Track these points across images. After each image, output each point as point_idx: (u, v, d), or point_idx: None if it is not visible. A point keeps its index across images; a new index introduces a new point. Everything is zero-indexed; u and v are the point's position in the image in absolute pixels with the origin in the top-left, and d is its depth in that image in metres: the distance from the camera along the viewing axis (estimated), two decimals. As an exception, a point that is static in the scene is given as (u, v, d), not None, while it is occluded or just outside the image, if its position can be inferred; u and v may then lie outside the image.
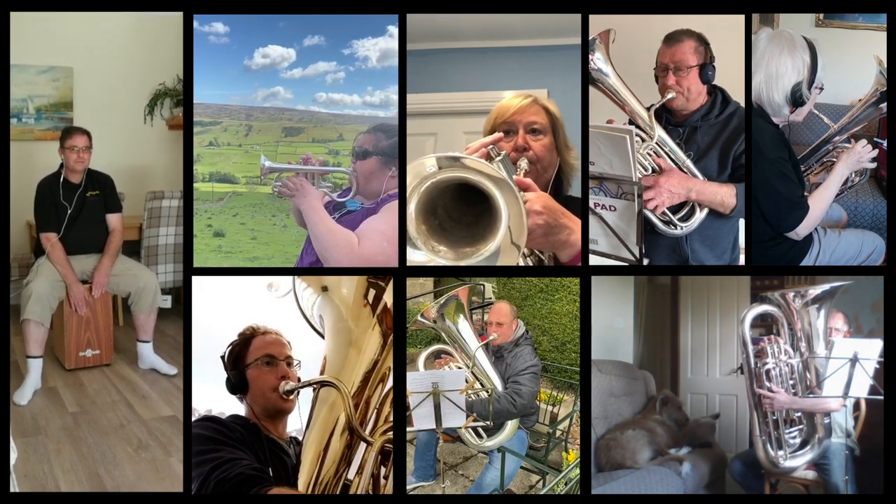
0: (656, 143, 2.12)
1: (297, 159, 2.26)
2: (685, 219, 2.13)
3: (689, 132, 2.18)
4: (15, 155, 4.78)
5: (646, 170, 2.09)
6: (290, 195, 2.14)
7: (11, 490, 2.06)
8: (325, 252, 2.04)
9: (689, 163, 2.14)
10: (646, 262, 2.06)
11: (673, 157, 2.13)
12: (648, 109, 2.16)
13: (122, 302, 4.70)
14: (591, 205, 2.06)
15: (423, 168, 1.60)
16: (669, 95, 2.14)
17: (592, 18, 2.20)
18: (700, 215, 2.13)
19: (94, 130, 3.94)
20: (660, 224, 2.12)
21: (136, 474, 2.77)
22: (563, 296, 4.16)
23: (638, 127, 2.12)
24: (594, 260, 2.12)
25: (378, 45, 2.74)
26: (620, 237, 2.05)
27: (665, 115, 2.20)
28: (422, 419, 2.23)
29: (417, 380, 2.21)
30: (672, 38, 2.15)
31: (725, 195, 2.12)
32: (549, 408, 3.01)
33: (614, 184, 2.02)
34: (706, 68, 2.13)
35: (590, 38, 2.13)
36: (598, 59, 2.13)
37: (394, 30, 2.82)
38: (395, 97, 2.85)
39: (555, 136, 2.01)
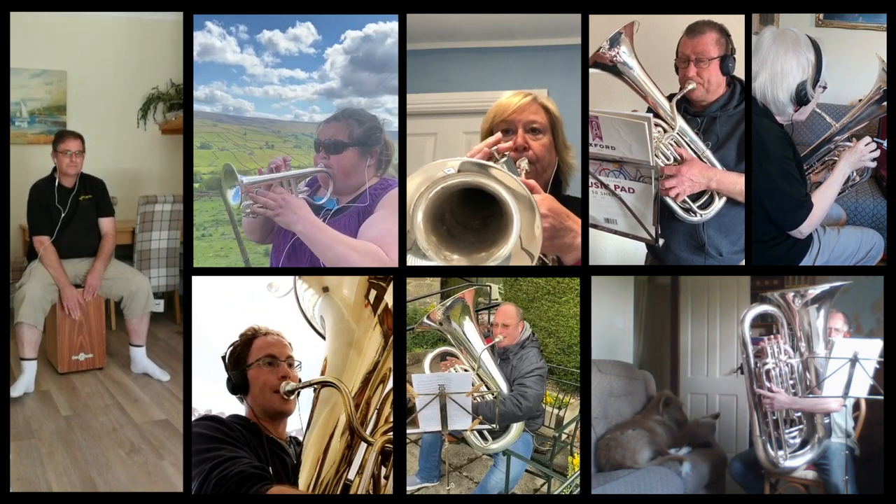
0: (677, 133, 2.12)
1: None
2: (704, 206, 2.15)
3: (707, 122, 2.18)
4: (8, 158, 4.75)
5: (668, 159, 2.10)
6: (274, 214, 1.87)
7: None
8: None
9: (708, 153, 2.15)
10: (661, 241, 2.10)
11: (693, 147, 2.14)
12: (670, 100, 2.15)
13: (114, 306, 4.67)
14: (612, 187, 2.09)
15: (442, 169, 1.54)
16: (690, 86, 2.14)
17: (592, 18, 2.20)
18: (718, 204, 2.15)
19: (87, 134, 3.91)
20: (680, 211, 2.14)
21: (128, 478, 2.74)
22: (570, 298, 4.12)
23: (659, 117, 2.13)
24: (596, 259, 2.12)
25: (197, 41, 2.65)
26: (638, 217, 2.08)
27: (684, 104, 2.20)
28: (428, 421, 2.20)
29: (424, 382, 2.18)
30: (694, 30, 2.14)
31: (743, 185, 2.13)
32: (555, 411, 2.97)
33: (633, 167, 2.05)
34: (727, 60, 2.13)
35: (615, 32, 2.13)
36: (623, 53, 2.13)
37: (212, 26, 2.74)
38: (220, 92, 2.81)
39: (554, 136, 2.00)
